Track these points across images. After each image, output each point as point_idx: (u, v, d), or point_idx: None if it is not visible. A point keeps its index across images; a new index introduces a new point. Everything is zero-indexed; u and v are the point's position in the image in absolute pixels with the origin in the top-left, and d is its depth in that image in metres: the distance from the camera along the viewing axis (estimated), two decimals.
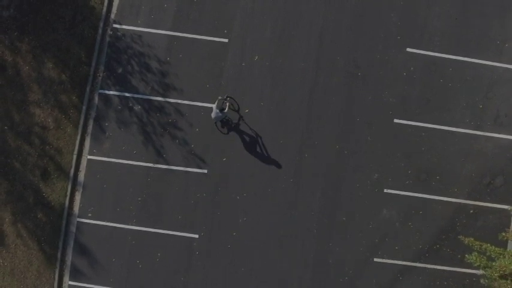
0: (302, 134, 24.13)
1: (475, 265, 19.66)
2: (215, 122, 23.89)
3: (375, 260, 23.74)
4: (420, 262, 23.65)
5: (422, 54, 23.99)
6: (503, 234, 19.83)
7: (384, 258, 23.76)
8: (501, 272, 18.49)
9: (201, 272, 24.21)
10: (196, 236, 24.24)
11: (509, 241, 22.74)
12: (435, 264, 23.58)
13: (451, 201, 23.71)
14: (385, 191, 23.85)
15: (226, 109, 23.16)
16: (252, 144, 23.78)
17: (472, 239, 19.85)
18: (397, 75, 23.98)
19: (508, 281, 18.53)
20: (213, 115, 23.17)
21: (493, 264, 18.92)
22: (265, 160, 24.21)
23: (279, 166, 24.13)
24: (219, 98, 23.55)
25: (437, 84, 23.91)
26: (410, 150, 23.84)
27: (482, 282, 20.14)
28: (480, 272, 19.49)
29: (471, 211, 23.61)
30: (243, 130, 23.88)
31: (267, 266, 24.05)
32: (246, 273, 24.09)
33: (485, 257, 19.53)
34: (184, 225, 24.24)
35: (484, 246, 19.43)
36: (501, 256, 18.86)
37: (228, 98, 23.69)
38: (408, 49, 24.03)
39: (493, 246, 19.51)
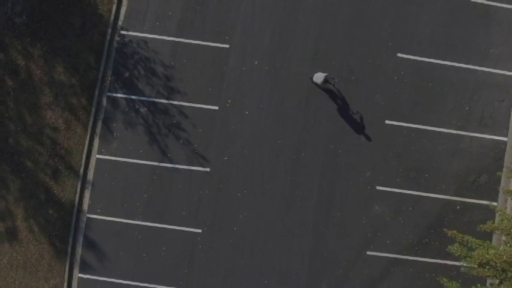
0: (299, 135, 24.37)
1: (456, 255, 19.82)
2: (310, 77, 23.57)
3: (368, 253, 23.99)
4: (410, 255, 23.85)
5: (412, 59, 24.16)
6: (481, 226, 20.14)
7: (375, 251, 23.98)
8: (479, 260, 18.76)
9: (203, 264, 24.41)
10: (200, 230, 24.45)
11: (494, 234, 22.94)
12: (424, 257, 23.79)
13: (439, 198, 23.92)
14: (377, 188, 24.05)
15: (331, 87, 23.04)
16: (344, 111, 23.74)
17: (455, 232, 20.01)
18: (388, 79, 24.17)
19: (486, 269, 18.83)
20: (315, 78, 22.97)
21: (472, 253, 19.17)
22: (265, 159, 24.34)
23: (277, 165, 24.30)
24: (334, 79, 23.29)
25: (426, 88, 24.11)
26: (400, 150, 24.05)
27: (462, 270, 20.47)
28: (461, 262, 20.18)
29: (458, 207, 23.86)
30: (332, 100, 23.77)
31: (266, 259, 24.28)
32: (246, 266, 24.28)
33: (465, 248, 19.65)
34: (188, 221, 24.43)
35: (465, 238, 19.62)
36: (480, 247, 19.13)
37: (336, 87, 23.38)
38: (399, 54, 24.16)
39: (474, 238, 19.69)
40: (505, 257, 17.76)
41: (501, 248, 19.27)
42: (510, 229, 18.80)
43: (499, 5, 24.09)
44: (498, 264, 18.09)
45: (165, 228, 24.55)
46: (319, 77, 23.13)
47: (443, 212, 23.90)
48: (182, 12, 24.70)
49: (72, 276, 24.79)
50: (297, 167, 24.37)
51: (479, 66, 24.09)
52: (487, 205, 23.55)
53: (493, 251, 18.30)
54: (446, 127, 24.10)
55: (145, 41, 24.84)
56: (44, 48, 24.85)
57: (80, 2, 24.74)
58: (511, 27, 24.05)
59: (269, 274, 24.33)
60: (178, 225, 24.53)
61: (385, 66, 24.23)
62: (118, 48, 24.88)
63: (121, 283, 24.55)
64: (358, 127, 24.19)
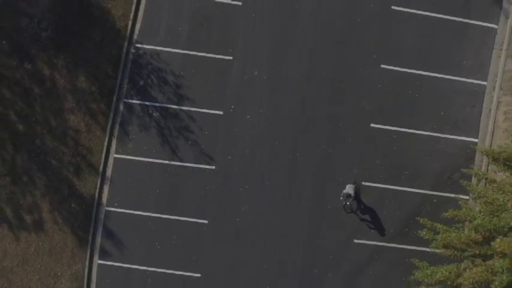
0: (295, 137, 25.20)
1: (425, 238, 21.26)
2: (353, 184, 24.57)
3: (355, 241, 25.04)
4: (392, 243, 24.95)
5: (394, 69, 25.09)
6: (444, 213, 21.63)
7: (362, 239, 25.02)
8: (443, 242, 20.56)
9: (209, 252, 25.42)
10: (206, 221, 25.38)
11: (466, 222, 23.45)
12: (405, 244, 24.85)
13: (417, 192, 24.92)
14: (363, 183, 25.02)
15: (346, 203, 24.08)
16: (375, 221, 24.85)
17: (426, 219, 21.45)
18: (373, 87, 25.08)
19: (448, 250, 20.69)
20: (347, 188, 23.88)
21: (437, 237, 20.87)
22: (264, 158, 25.26)
23: (275, 164, 25.24)
24: (351, 205, 24.23)
25: (406, 95, 25.04)
26: (384, 150, 25.08)
27: (430, 250, 21.89)
28: (430, 245, 21.41)
29: (434, 200, 24.92)
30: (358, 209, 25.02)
31: (265, 247, 25.25)
32: (248, 253, 25.30)
33: (432, 232, 21.15)
34: (195, 213, 25.32)
35: (434, 225, 21.22)
36: (446, 232, 20.84)
37: (349, 205, 24.50)
38: (382, 65, 25.08)
39: (441, 225, 21.20)
40: (463, 239, 19.98)
41: (461, 232, 21.47)
42: (466, 216, 21.02)
43: (471, 22, 25.31)
44: (458, 245, 20.18)
45: (175, 219, 25.46)
46: (348, 188, 24.05)
47: (422, 205, 25.00)
48: (190, 27, 25.54)
49: (92, 262, 25.77)
50: (293, 165, 25.27)
51: (453, 76, 25.11)
52: (459, 199, 24.40)
53: (454, 234, 20.37)
54: (425, 130, 25.08)
55: (157, 53, 25.71)
56: (67, 59, 25.71)
57: (99, 18, 25.88)
58: (481, 41, 25.29)
59: (268, 261, 25.35)
60: (186, 217, 25.45)
61: (370, 75, 25.14)
62: (133, 60, 25.74)
63: (136, 268, 25.63)
64: (344, 130, 25.28)
